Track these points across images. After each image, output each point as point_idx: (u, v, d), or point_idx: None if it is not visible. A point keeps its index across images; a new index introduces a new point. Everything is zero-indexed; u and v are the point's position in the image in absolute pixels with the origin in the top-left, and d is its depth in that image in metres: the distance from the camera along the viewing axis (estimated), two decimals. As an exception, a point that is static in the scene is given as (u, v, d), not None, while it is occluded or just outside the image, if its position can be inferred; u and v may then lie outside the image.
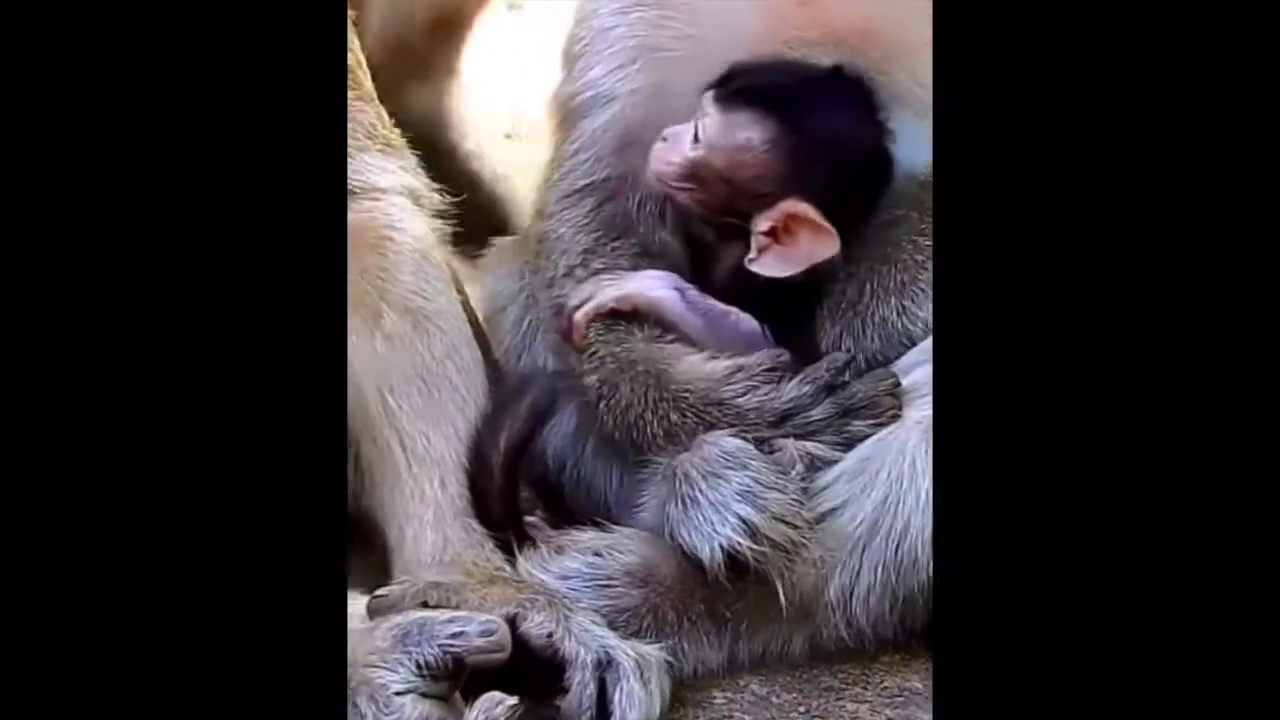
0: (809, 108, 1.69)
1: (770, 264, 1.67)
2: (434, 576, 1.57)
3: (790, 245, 1.66)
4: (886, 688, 1.57)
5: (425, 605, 1.49)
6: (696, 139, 1.69)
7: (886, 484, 1.55)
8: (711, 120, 1.69)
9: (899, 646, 1.60)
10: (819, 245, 1.65)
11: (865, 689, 1.57)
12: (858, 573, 1.56)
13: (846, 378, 1.62)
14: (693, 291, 1.72)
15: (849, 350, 1.64)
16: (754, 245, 1.67)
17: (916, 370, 1.61)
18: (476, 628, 1.40)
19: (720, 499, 1.54)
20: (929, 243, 1.63)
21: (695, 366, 1.66)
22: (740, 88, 1.69)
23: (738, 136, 1.68)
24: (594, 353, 1.71)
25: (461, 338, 1.77)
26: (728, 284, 1.73)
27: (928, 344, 1.60)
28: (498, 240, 1.99)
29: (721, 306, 1.71)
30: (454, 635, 1.40)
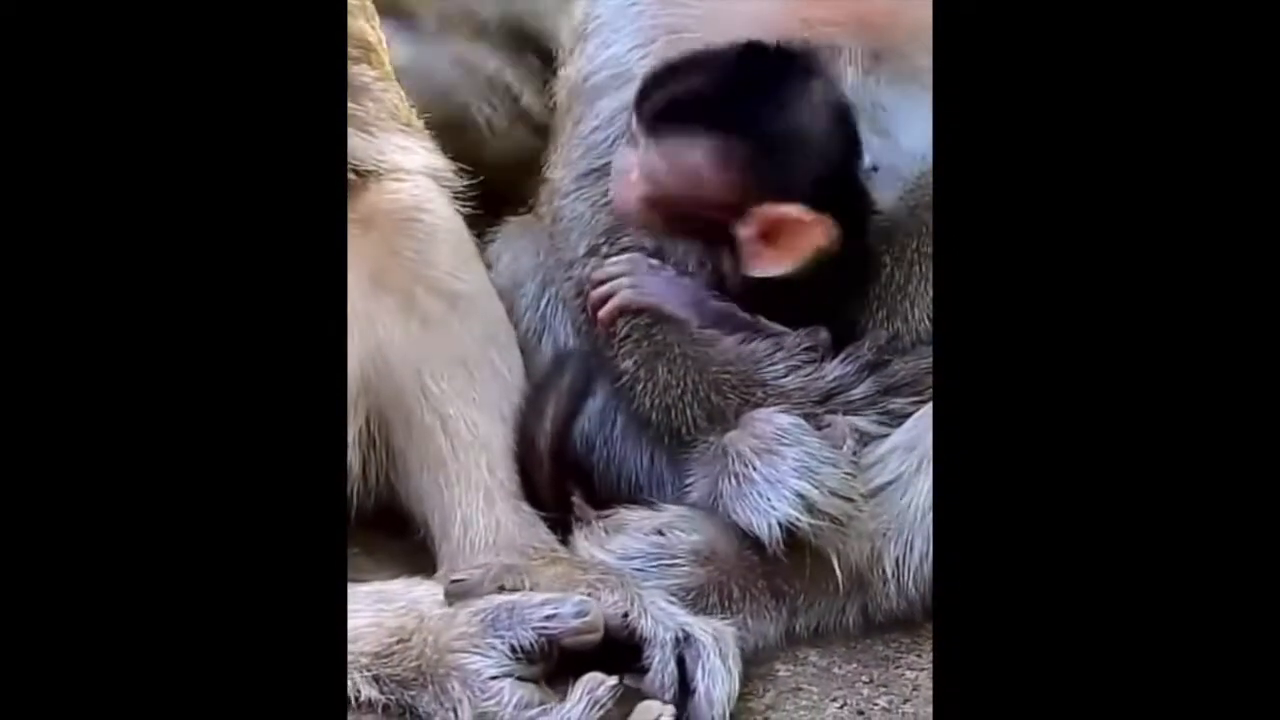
0: (745, 107, 1.64)
1: (770, 266, 1.64)
2: (499, 559, 1.57)
3: (783, 245, 1.63)
4: (938, 655, 1.61)
5: (501, 589, 1.49)
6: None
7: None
8: (646, 153, 1.64)
9: (944, 614, 1.63)
10: (813, 237, 1.62)
11: (919, 656, 1.61)
12: (911, 544, 1.59)
13: (888, 356, 1.65)
14: (714, 302, 1.71)
15: (897, 332, 1.67)
16: (745, 254, 1.64)
17: None
18: (570, 609, 1.41)
19: (777, 475, 1.57)
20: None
21: (733, 347, 1.68)
22: (662, 109, 1.64)
23: (682, 161, 1.63)
24: (626, 337, 1.71)
25: (499, 319, 1.77)
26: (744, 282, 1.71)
27: None
28: (510, 219, 1.97)
29: (746, 316, 1.69)
30: (548, 617, 1.40)
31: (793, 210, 1.63)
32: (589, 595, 1.48)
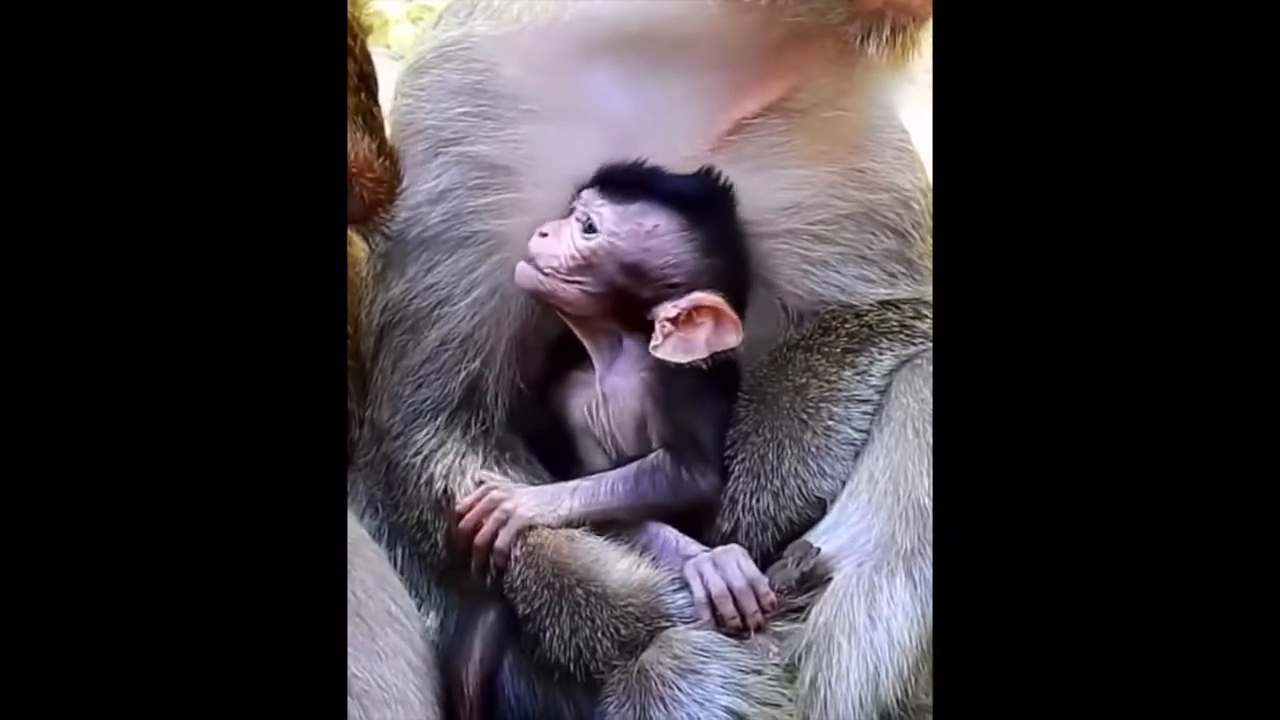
0: (705, 204, 1.76)
1: (672, 351, 1.73)
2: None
3: (692, 333, 1.73)
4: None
5: None
6: (590, 229, 1.72)
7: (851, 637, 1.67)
8: (609, 210, 1.73)
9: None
10: (723, 335, 1.73)
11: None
12: None
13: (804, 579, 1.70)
14: (578, 482, 1.76)
15: (769, 511, 1.75)
16: (658, 331, 1.72)
17: (835, 533, 1.74)
18: None
19: (704, 694, 1.60)
20: (840, 407, 1.78)
21: (628, 575, 1.70)
22: (630, 180, 1.74)
23: (644, 223, 1.73)
24: (521, 585, 1.71)
25: (384, 561, 1.71)
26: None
27: (838, 509, 1.74)
28: None
29: (614, 472, 1.75)
30: None
31: (724, 304, 1.72)
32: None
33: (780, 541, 1.75)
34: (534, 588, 1.69)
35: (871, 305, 1.85)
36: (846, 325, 1.83)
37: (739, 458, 1.78)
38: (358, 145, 1.69)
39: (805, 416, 1.78)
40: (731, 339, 1.72)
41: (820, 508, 1.76)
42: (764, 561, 1.73)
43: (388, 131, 1.76)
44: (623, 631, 1.66)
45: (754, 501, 1.76)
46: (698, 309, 1.72)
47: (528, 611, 1.69)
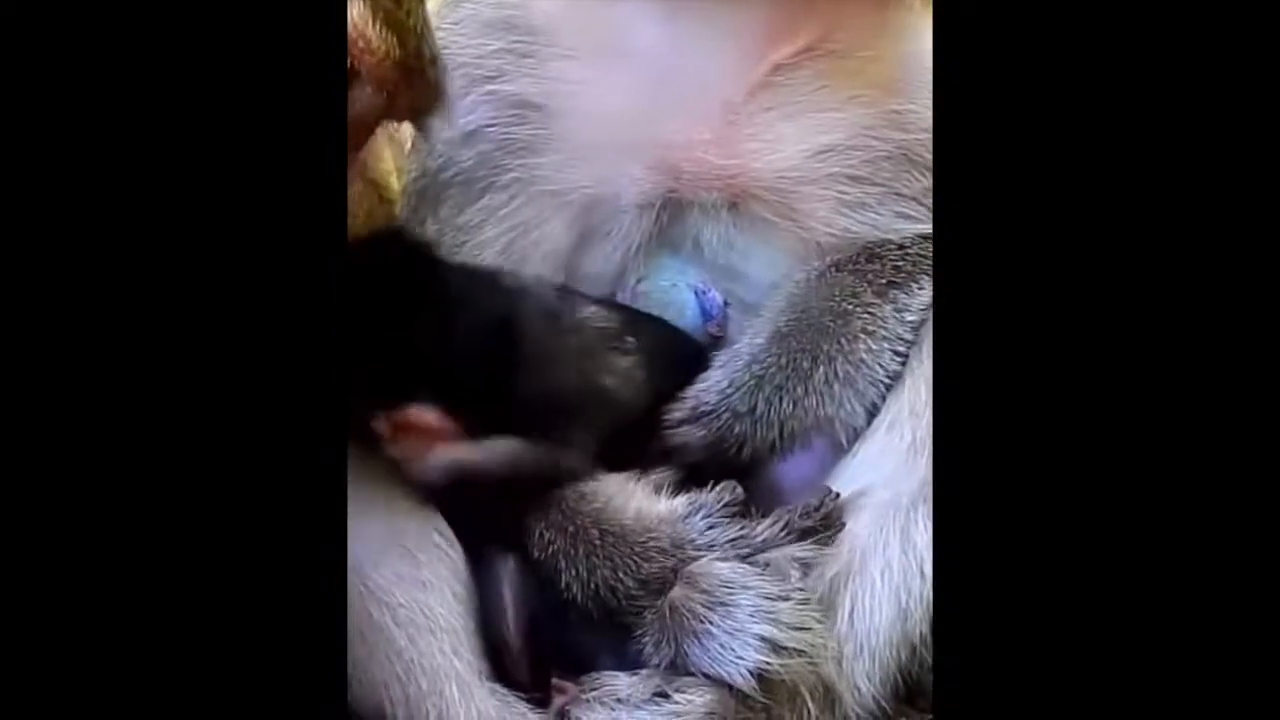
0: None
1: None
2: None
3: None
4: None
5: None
6: None
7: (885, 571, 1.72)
8: None
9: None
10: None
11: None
12: (874, 655, 1.71)
13: (818, 521, 1.73)
14: None
15: (784, 413, 1.77)
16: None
17: (861, 478, 1.77)
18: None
19: (735, 625, 1.63)
20: (875, 343, 1.80)
21: (647, 508, 1.73)
22: None
23: None
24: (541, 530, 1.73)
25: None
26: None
27: (879, 441, 1.78)
28: None
29: None
30: None
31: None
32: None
33: (772, 447, 1.78)
34: (547, 522, 1.71)
35: (912, 239, 1.87)
36: (891, 257, 1.85)
37: (775, 351, 1.80)
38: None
39: (842, 341, 1.80)
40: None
41: (821, 431, 1.79)
42: (753, 460, 1.78)
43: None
44: (646, 569, 1.68)
45: (777, 398, 1.78)
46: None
47: (541, 556, 1.71)
